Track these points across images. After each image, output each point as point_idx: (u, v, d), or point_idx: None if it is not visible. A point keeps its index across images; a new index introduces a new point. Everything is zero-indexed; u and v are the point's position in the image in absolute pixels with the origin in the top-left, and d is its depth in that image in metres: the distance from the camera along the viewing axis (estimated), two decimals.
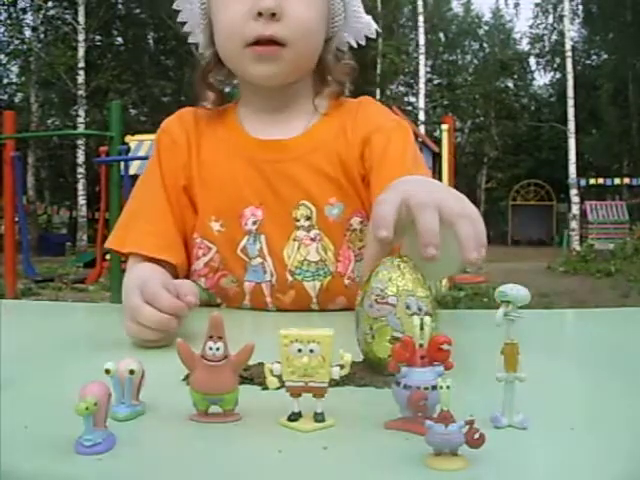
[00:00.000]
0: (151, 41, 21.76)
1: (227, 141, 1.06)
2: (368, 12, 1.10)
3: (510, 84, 26.60)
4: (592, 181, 15.98)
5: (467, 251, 0.59)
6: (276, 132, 1.04)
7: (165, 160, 1.06)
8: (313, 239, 1.01)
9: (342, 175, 1.02)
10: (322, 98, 1.07)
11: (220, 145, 1.06)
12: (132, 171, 8.22)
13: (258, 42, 0.94)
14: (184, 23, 1.10)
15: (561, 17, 18.82)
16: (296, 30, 0.95)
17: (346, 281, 1.02)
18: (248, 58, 0.96)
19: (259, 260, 1.01)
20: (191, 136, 1.07)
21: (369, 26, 1.10)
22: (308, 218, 1.01)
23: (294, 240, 1.01)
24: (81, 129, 14.51)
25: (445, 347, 0.45)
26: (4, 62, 18.12)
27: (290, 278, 1.01)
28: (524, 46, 26.86)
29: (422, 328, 0.46)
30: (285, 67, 0.97)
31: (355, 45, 1.10)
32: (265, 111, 1.06)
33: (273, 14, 0.92)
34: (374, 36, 1.12)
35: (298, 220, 1.01)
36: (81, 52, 15.28)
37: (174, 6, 1.09)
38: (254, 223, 1.01)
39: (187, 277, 1.06)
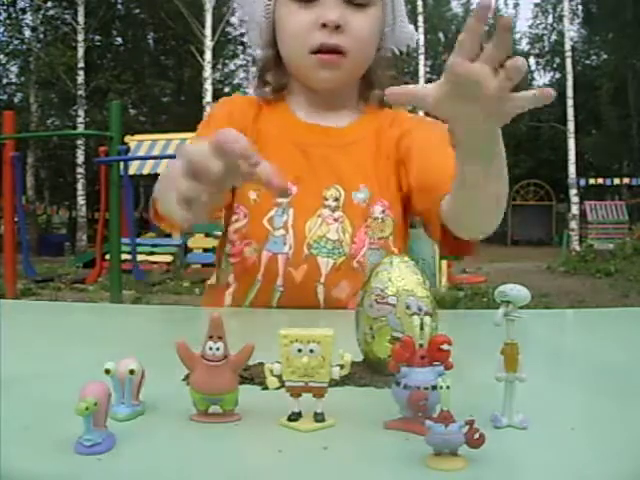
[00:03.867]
0: (151, 41, 21.75)
1: (279, 123, 1.14)
2: None
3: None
4: (592, 181, 15.96)
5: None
6: (324, 122, 1.14)
7: (221, 125, 1.08)
8: (336, 219, 1.08)
9: (375, 166, 1.12)
10: (363, 101, 1.17)
11: (272, 126, 1.13)
12: (132, 171, 8.23)
13: (320, 50, 1.04)
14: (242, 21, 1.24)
15: (561, 17, 18.82)
16: (356, 42, 1.05)
17: (355, 264, 1.07)
18: (312, 64, 1.05)
19: (282, 232, 1.07)
20: (247, 115, 1.14)
21: (412, 36, 1.19)
22: (336, 199, 1.09)
23: (318, 216, 1.08)
24: (81, 129, 14.49)
25: (445, 347, 0.45)
26: (4, 62, 18.10)
27: (306, 251, 1.06)
28: (524, 46, 26.83)
29: (422, 328, 0.46)
30: (344, 74, 1.08)
31: (397, 52, 1.19)
32: (314, 106, 1.15)
33: (337, 26, 1.02)
34: (414, 45, 1.22)
35: (327, 199, 1.09)
36: (81, 52, 15.26)
37: (234, 4, 1.21)
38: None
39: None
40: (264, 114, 1.15)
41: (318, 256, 1.06)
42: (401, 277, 0.59)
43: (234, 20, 17.92)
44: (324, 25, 1.02)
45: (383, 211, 1.10)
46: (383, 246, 1.09)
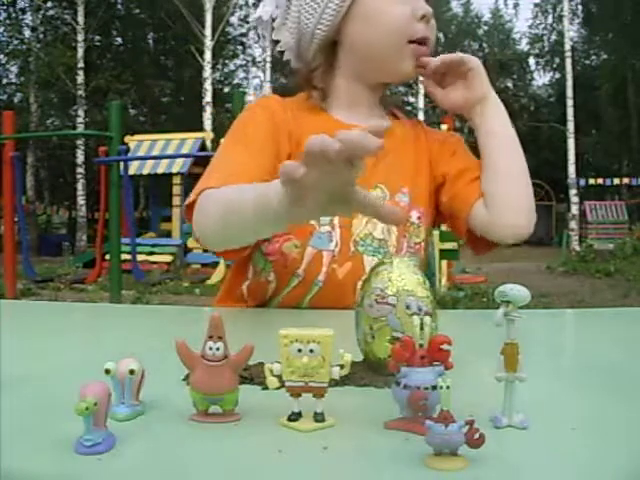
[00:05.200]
0: (150, 41, 21.75)
1: (319, 125, 1.09)
2: None
3: (509, 84, 26.59)
4: (591, 181, 15.96)
5: None
6: (363, 124, 1.10)
7: (266, 128, 1.06)
8: None
9: (414, 172, 1.14)
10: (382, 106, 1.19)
11: (311, 127, 1.07)
12: (131, 171, 8.24)
13: (415, 41, 1.06)
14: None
15: (560, 17, 18.80)
16: (434, 33, 1.09)
17: None
18: (408, 54, 1.06)
19: (327, 228, 1.06)
20: (287, 119, 1.10)
21: None
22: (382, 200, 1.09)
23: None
24: (80, 129, 14.48)
25: (445, 347, 0.45)
26: (3, 62, 18.10)
27: (352, 249, 1.07)
28: (523, 46, 26.90)
29: (422, 328, 0.46)
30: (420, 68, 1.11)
31: None
32: (354, 106, 1.14)
33: (429, 18, 1.06)
34: None
35: None
36: (80, 52, 15.26)
37: (274, 36, 1.15)
38: None
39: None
40: (298, 117, 1.11)
41: (364, 254, 1.06)
42: (401, 277, 0.59)
43: (234, 20, 17.91)
44: (423, 17, 1.05)
45: (419, 217, 1.12)
46: (417, 251, 1.12)
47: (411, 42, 1.05)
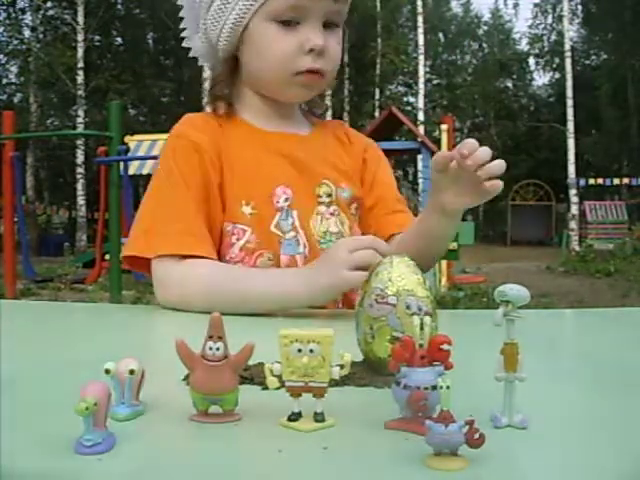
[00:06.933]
0: (150, 41, 21.77)
1: (245, 137, 1.14)
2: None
3: (509, 84, 26.63)
4: (591, 181, 15.97)
5: None
6: (286, 130, 1.18)
7: (185, 162, 1.09)
8: (332, 214, 1.16)
9: (349, 168, 1.23)
10: (308, 112, 1.26)
11: (240, 141, 1.14)
12: (131, 171, 8.23)
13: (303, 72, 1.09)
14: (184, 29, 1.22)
15: (560, 17, 18.82)
16: (333, 63, 1.12)
17: None
18: (295, 85, 1.10)
19: (293, 234, 1.11)
20: (213, 135, 1.12)
21: None
22: (329, 195, 1.16)
23: (317, 214, 1.15)
24: (80, 129, 14.50)
25: (445, 347, 0.45)
26: (3, 62, 18.12)
27: (318, 247, 1.12)
28: (523, 46, 26.91)
29: (422, 328, 0.46)
30: (317, 92, 1.18)
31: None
32: (270, 116, 1.18)
33: (321, 51, 1.07)
34: None
35: (320, 197, 1.16)
36: (80, 52, 15.26)
37: (184, 43, 1.21)
38: (286, 200, 1.11)
39: None
40: (224, 131, 1.14)
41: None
42: (401, 277, 0.59)
43: None
44: (311, 50, 1.06)
45: (357, 208, 1.22)
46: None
47: (300, 73, 1.08)
